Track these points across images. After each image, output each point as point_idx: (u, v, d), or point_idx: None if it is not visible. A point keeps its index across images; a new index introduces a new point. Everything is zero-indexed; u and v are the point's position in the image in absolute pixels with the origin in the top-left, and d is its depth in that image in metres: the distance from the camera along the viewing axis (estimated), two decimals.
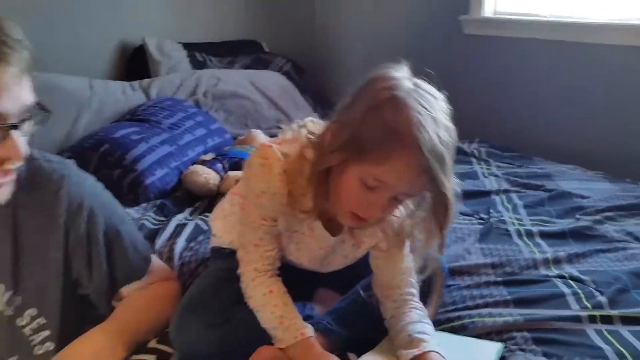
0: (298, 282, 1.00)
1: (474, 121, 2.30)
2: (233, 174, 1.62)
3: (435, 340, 0.89)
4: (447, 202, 0.82)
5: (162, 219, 1.47)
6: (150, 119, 1.81)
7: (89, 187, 0.94)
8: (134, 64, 2.29)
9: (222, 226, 1.15)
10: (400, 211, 0.94)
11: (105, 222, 0.93)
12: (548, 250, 1.26)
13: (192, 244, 1.31)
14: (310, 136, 0.92)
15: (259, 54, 2.61)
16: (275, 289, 0.95)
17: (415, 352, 0.86)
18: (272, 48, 2.70)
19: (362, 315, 0.99)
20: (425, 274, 0.95)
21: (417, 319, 0.93)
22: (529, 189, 1.64)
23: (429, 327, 0.92)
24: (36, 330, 0.89)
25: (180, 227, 1.40)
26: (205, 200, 1.59)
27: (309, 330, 0.90)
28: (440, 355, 0.86)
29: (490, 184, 1.70)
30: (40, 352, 0.89)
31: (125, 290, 0.98)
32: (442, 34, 2.44)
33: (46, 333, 0.89)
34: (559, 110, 2.11)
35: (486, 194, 1.62)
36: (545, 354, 0.91)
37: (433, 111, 0.80)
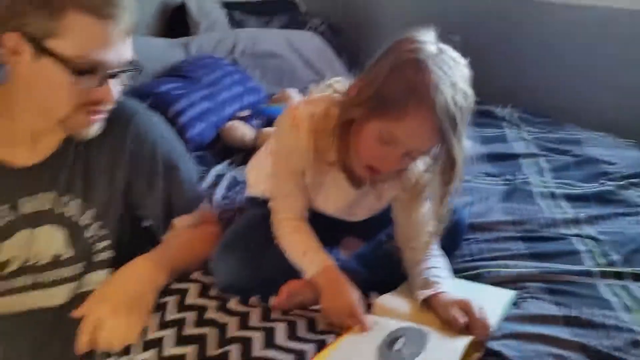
0: (326, 230, 1.08)
1: (513, 85, 2.31)
2: (267, 130, 1.69)
3: (450, 283, 0.97)
4: (455, 161, 0.89)
5: (203, 168, 1.57)
6: (190, 75, 1.89)
7: (155, 122, 1.08)
8: (174, 22, 2.36)
9: (256, 177, 1.24)
10: (418, 166, 1.01)
11: (165, 156, 1.06)
12: (569, 211, 1.30)
13: (229, 193, 1.41)
14: (336, 94, 0.99)
15: (295, 14, 2.64)
16: (303, 229, 1.05)
17: (429, 292, 0.94)
18: (309, 8, 2.73)
19: (384, 260, 1.07)
20: (442, 226, 1.02)
21: (434, 264, 1.00)
22: (556, 154, 1.67)
23: (444, 272, 1.00)
24: (99, 240, 1.02)
25: (219, 178, 1.49)
26: (240, 154, 1.68)
27: (331, 261, 0.99)
28: (452, 295, 0.93)
29: (519, 147, 1.73)
30: (99, 259, 1.03)
31: (177, 222, 1.09)
32: None
33: (106, 243, 1.03)
34: (604, 79, 2.08)
35: (514, 157, 1.66)
36: (555, 303, 0.97)
37: (453, 76, 0.86)
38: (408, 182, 1.04)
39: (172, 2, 2.36)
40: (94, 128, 0.95)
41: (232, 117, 1.80)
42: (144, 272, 0.99)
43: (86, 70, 0.86)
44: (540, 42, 2.25)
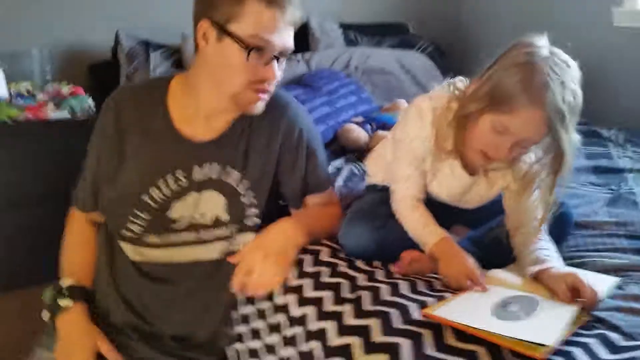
0: (437, 217, 1.21)
1: (618, 109, 2.35)
2: (381, 132, 1.87)
3: (558, 261, 1.07)
4: (563, 152, 1.01)
5: None
6: (312, 84, 2.11)
7: (302, 113, 1.28)
8: (297, 39, 2.62)
9: (376, 167, 1.41)
10: (529, 158, 1.13)
11: (308, 142, 1.25)
12: None
13: (348, 183, 1.59)
14: (457, 91, 1.14)
15: (404, 36, 2.83)
16: (421, 208, 1.20)
17: (539, 267, 1.05)
18: (418, 30, 2.91)
19: (494, 243, 1.19)
20: (550, 214, 1.12)
21: (543, 246, 1.11)
22: None
23: (553, 252, 1.10)
24: (250, 206, 1.21)
25: (338, 171, 1.68)
26: (355, 153, 1.86)
27: (448, 234, 1.14)
28: (561, 269, 1.04)
29: (624, 163, 1.78)
30: (248, 223, 1.21)
31: (309, 200, 1.28)
32: (591, 25, 2.48)
33: (256, 210, 1.21)
34: None
35: (619, 171, 1.71)
36: None
37: (563, 76, 0.99)
38: (519, 172, 1.16)
39: None
40: (260, 106, 1.12)
41: (348, 122, 2.00)
42: (288, 230, 1.15)
43: (256, 48, 1.03)
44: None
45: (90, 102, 1.93)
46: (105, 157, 1.18)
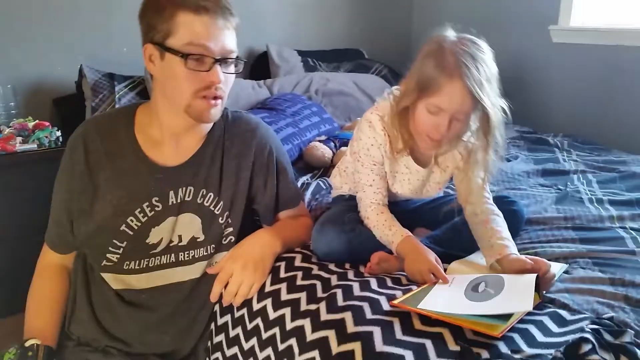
0: (402, 221, 1.30)
1: (559, 118, 2.53)
2: (344, 149, 1.96)
3: (515, 248, 1.17)
4: (488, 113, 1.14)
5: None
6: (276, 107, 2.20)
7: (271, 133, 1.33)
8: (258, 66, 2.72)
9: (340, 180, 1.50)
10: (468, 135, 1.26)
11: (278, 160, 1.31)
12: (614, 212, 1.48)
13: (316, 196, 1.66)
14: (395, 97, 1.27)
15: (360, 60, 2.97)
16: (385, 211, 1.29)
17: (498, 256, 1.15)
18: (372, 55, 3.06)
19: (455, 238, 1.29)
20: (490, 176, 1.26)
21: (497, 225, 1.22)
22: (603, 171, 1.85)
23: (506, 232, 1.21)
24: (226, 226, 1.24)
25: (306, 185, 1.75)
26: (320, 170, 1.94)
27: (411, 233, 1.23)
28: (519, 256, 1.14)
29: (569, 166, 1.92)
30: (225, 242, 1.26)
31: (281, 214, 1.34)
32: (532, 42, 2.67)
33: (231, 229, 1.25)
34: (638, 107, 2.27)
35: (565, 172, 1.85)
36: (601, 271, 1.15)
37: (471, 51, 1.13)
38: (464, 149, 1.29)
39: (256, 50, 2.74)
40: (214, 113, 1.12)
41: (312, 141, 2.08)
42: (266, 240, 1.23)
43: (194, 56, 1.04)
44: (588, 78, 2.47)
45: (57, 133, 1.96)
46: (77, 194, 1.16)
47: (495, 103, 1.15)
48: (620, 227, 1.37)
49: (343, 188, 1.48)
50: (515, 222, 1.34)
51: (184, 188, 1.19)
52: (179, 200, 1.19)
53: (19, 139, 1.89)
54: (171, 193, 1.18)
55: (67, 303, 1.25)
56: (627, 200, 1.56)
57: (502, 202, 1.32)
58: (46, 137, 1.91)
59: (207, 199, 1.21)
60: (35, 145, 1.89)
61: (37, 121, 2.01)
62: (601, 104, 2.42)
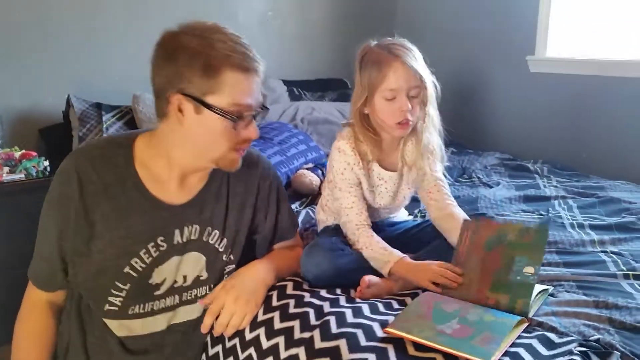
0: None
1: (539, 145, 2.60)
2: None
3: None
4: (424, 82, 1.30)
5: None
6: (264, 136, 2.23)
7: (270, 166, 1.33)
8: None
9: (324, 214, 1.54)
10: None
11: (278, 193, 1.31)
12: (595, 236, 1.53)
13: (306, 225, 1.68)
14: (352, 115, 1.39)
15: (344, 90, 3.03)
16: (373, 235, 1.34)
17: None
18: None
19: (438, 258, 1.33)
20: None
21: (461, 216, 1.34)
22: (583, 197, 1.91)
23: None
24: (228, 263, 1.24)
25: (296, 214, 1.77)
26: (308, 198, 1.97)
27: (403, 255, 1.27)
28: None
29: (550, 192, 1.98)
30: (226, 276, 1.24)
31: (277, 245, 1.35)
32: (510, 72, 2.77)
33: (232, 266, 1.25)
34: (614, 136, 2.36)
35: (546, 198, 1.91)
36: (586, 294, 1.19)
37: (395, 41, 1.33)
38: (419, 142, 1.39)
39: None
40: (240, 161, 1.13)
41: (299, 169, 2.11)
42: (259, 272, 1.23)
43: (239, 116, 1.05)
44: (565, 106, 2.56)
45: (45, 163, 1.96)
46: (71, 231, 1.09)
47: (429, 78, 1.31)
48: (602, 251, 1.42)
49: (328, 220, 1.52)
50: None
51: (190, 226, 1.16)
52: (184, 240, 1.16)
53: (6, 169, 1.88)
54: (177, 232, 1.15)
55: (56, 341, 1.20)
56: (607, 224, 1.62)
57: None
58: (34, 166, 1.91)
59: (212, 236, 1.20)
60: (23, 175, 1.89)
61: (23, 151, 2.01)
62: (577, 131, 2.50)
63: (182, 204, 1.16)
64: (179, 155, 1.11)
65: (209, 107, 1.03)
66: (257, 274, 1.23)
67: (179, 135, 1.08)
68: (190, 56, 1.01)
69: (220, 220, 1.21)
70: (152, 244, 1.13)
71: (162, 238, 1.13)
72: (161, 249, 1.14)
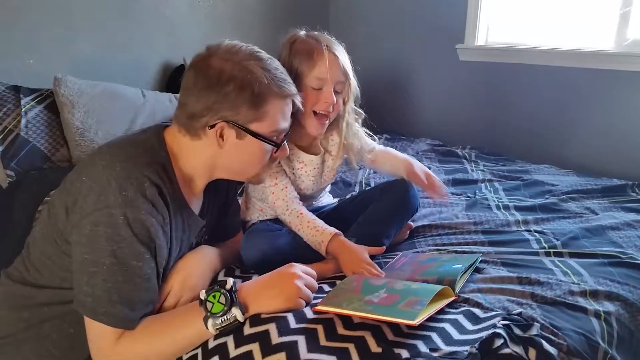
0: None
1: (467, 131, 2.68)
2: None
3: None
4: (350, 80, 1.33)
5: None
6: None
7: None
8: (174, 79, 2.67)
9: (250, 211, 1.50)
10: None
11: (232, 190, 1.34)
12: (520, 216, 1.59)
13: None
14: None
15: None
16: (304, 211, 1.33)
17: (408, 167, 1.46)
18: None
19: (374, 219, 1.39)
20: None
21: (392, 150, 1.53)
22: (508, 180, 1.99)
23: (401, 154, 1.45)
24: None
25: None
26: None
27: (337, 230, 1.27)
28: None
29: (477, 175, 2.05)
30: None
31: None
32: (440, 61, 2.83)
33: None
34: (537, 122, 2.47)
35: (473, 181, 1.97)
36: (509, 271, 1.23)
37: (326, 36, 1.35)
38: (340, 131, 1.42)
39: (173, 64, 2.68)
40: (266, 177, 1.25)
41: None
42: (208, 256, 1.23)
43: (279, 140, 1.10)
44: (493, 93, 2.65)
45: None
46: (161, 252, 1.03)
47: (354, 77, 1.35)
48: (526, 230, 1.47)
49: (254, 215, 1.48)
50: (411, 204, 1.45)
51: (204, 237, 1.24)
52: (194, 247, 1.21)
53: None
54: (194, 242, 1.21)
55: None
56: (530, 205, 1.68)
57: (399, 184, 1.45)
58: None
59: (204, 237, 1.26)
60: None
61: None
62: (503, 118, 2.60)
63: (198, 214, 1.18)
64: (208, 170, 1.13)
65: (253, 134, 1.06)
66: (205, 258, 1.22)
67: (214, 154, 1.09)
68: (238, 87, 1.02)
69: (210, 224, 1.26)
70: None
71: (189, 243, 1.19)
72: (182, 251, 1.17)
